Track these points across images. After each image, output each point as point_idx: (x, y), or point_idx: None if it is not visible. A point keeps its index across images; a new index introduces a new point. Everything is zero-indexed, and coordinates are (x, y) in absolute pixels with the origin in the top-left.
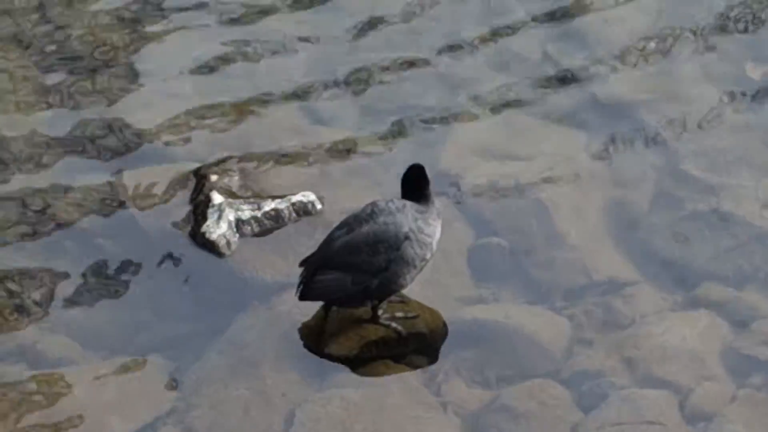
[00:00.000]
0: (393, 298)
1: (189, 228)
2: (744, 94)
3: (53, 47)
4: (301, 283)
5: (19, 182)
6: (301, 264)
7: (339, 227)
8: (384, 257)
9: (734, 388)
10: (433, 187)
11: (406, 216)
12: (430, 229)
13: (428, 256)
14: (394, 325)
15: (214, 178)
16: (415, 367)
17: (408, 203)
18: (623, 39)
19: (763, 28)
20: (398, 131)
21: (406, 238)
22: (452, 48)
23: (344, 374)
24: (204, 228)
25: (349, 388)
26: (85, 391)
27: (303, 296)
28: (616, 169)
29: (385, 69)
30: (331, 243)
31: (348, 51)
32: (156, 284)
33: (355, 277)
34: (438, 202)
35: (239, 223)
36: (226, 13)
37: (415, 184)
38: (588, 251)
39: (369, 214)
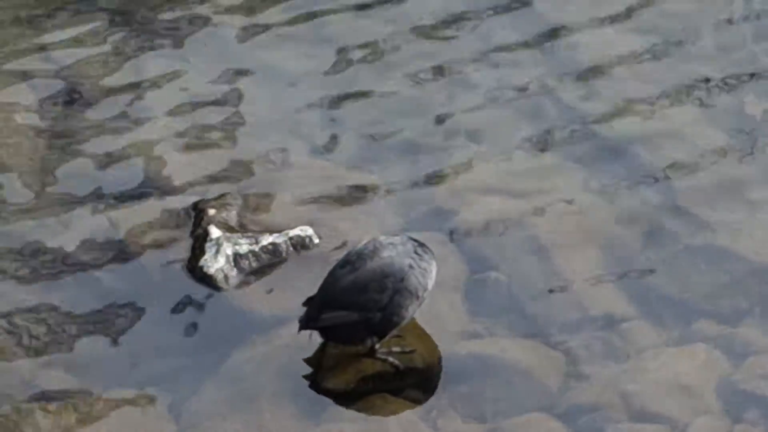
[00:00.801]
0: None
1: (187, 262)
2: (741, 130)
3: (51, 83)
4: (304, 322)
5: (16, 217)
6: (305, 303)
7: (341, 265)
8: (390, 292)
9: (730, 423)
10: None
11: (405, 247)
12: (427, 257)
13: (430, 285)
14: (390, 359)
15: (212, 212)
16: (411, 401)
17: (407, 237)
18: (622, 76)
19: (762, 65)
20: (397, 166)
21: (410, 267)
22: (450, 84)
23: (341, 408)
24: (202, 262)
25: (345, 423)
26: (83, 425)
27: (304, 323)
28: (612, 205)
29: (382, 104)
30: (336, 282)
31: (346, 85)
32: (153, 318)
33: (361, 316)
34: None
35: (237, 258)
36: (221, 47)
37: None
38: (584, 286)
39: (371, 250)
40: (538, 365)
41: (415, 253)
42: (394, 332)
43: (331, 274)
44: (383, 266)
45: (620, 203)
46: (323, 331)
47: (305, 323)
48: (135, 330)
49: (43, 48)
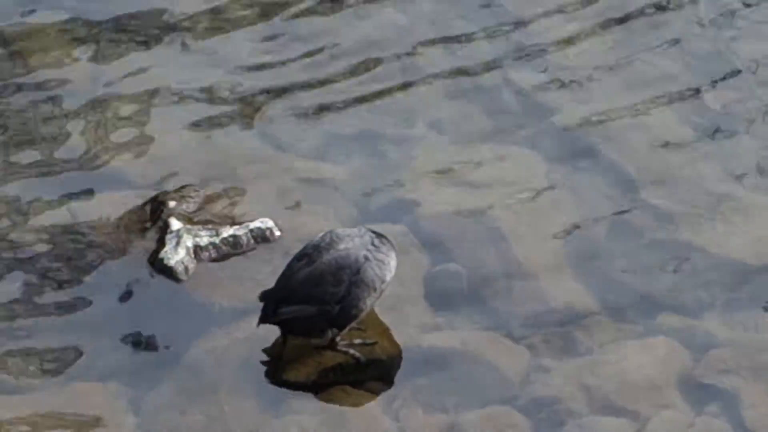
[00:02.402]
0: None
1: (147, 254)
2: (703, 123)
3: (11, 72)
4: (262, 316)
5: None
6: (261, 298)
7: (298, 258)
8: (346, 284)
9: (692, 416)
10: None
11: (363, 239)
12: (385, 249)
13: (387, 278)
14: (351, 351)
15: (172, 204)
16: (372, 393)
17: (364, 229)
18: (583, 67)
19: (723, 58)
20: (356, 158)
21: (366, 259)
22: (411, 75)
23: (302, 400)
24: (162, 254)
25: (306, 415)
26: (42, 418)
27: (263, 316)
28: (575, 197)
29: (344, 95)
30: (292, 276)
31: (307, 77)
32: (113, 310)
33: (319, 309)
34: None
35: (197, 249)
36: (185, 37)
37: None
38: (546, 279)
39: (328, 242)
40: (500, 358)
41: (372, 244)
42: (354, 324)
43: (288, 267)
44: (339, 259)
45: (582, 196)
46: (282, 325)
47: (263, 318)
48: (93, 322)
49: (1, 37)
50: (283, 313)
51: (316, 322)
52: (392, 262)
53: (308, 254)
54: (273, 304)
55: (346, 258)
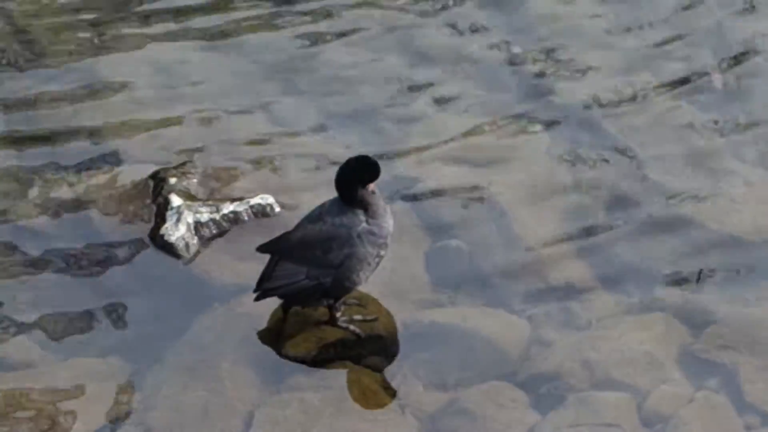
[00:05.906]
0: (351, 301)
1: (148, 230)
2: (704, 100)
3: (12, 48)
4: (262, 277)
5: None
6: (258, 249)
7: (294, 229)
8: (337, 254)
9: (691, 391)
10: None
11: (357, 216)
12: (383, 231)
13: (382, 252)
14: (352, 327)
15: (173, 180)
16: (373, 368)
17: (359, 212)
18: (583, 45)
19: (725, 35)
20: (357, 135)
21: (359, 236)
22: (413, 53)
23: (302, 376)
24: (163, 230)
25: (307, 391)
26: (43, 393)
27: (261, 291)
28: (574, 173)
29: (345, 73)
30: (288, 236)
31: (308, 55)
32: (114, 286)
33: (310, 270)
34: (382, 196)
35: (198, 226)
36: (187, 17)
37: (346, 185)
38: (546, 254)
39: (318, 215)
40: (500, 334)
41: (366, 221)
42: (353, 299)
43: (285, 232)
44: (329, 230)
45: (583, 172)
46: (280, 294)
47: (261, 281)
48: (94, 298)
49: (3, 11)
50: (277, 271)
51: (311, 291)
52: (389, 225)
53: (302, 224)
54: (272, 266)
55: (336, 231)
